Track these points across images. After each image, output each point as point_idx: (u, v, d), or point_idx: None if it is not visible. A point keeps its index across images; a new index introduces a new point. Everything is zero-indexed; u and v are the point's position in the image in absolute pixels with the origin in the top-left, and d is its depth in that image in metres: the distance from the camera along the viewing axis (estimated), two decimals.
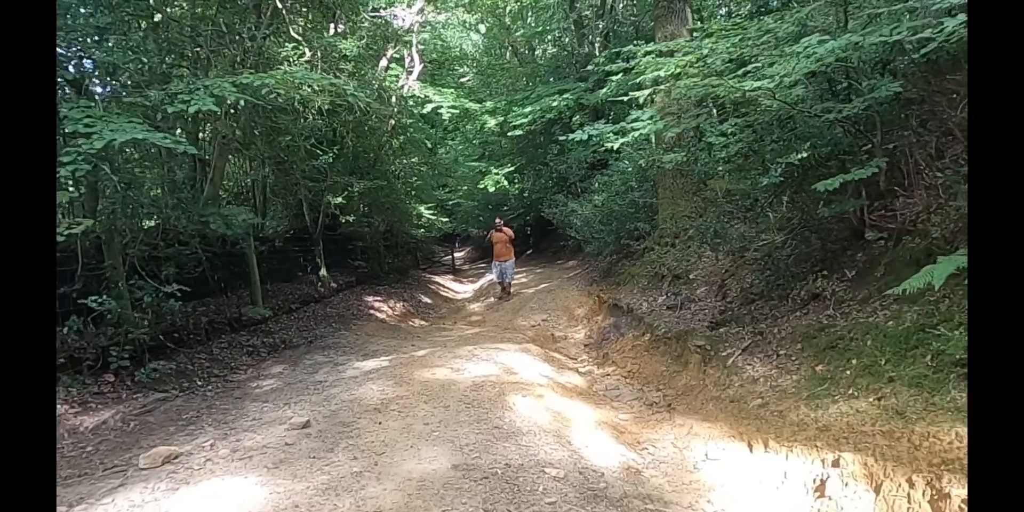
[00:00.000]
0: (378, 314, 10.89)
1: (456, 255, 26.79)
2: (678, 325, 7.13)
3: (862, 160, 4.82)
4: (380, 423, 4.71)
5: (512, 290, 13.85)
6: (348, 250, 13.06)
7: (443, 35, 22.04)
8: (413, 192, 17.12)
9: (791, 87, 4.82)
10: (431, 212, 16.61)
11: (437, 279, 17.73)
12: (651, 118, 7.66)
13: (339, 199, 9.96)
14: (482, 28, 23.83)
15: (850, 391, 4.23)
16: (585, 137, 8.12)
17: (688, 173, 9.81)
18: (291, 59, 8.00)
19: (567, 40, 19.27)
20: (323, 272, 11.13)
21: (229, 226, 6.27)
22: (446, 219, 17.03)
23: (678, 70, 5.65)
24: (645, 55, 7.08)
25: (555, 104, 14.87)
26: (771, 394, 4.87)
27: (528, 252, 21.11)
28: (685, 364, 6.35)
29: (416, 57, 14.97)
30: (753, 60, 5.07)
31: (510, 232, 13.49)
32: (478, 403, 5.14)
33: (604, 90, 14.15)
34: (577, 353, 8.91)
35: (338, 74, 8.09)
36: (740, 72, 5.06)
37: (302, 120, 8.87)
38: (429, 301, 13.36)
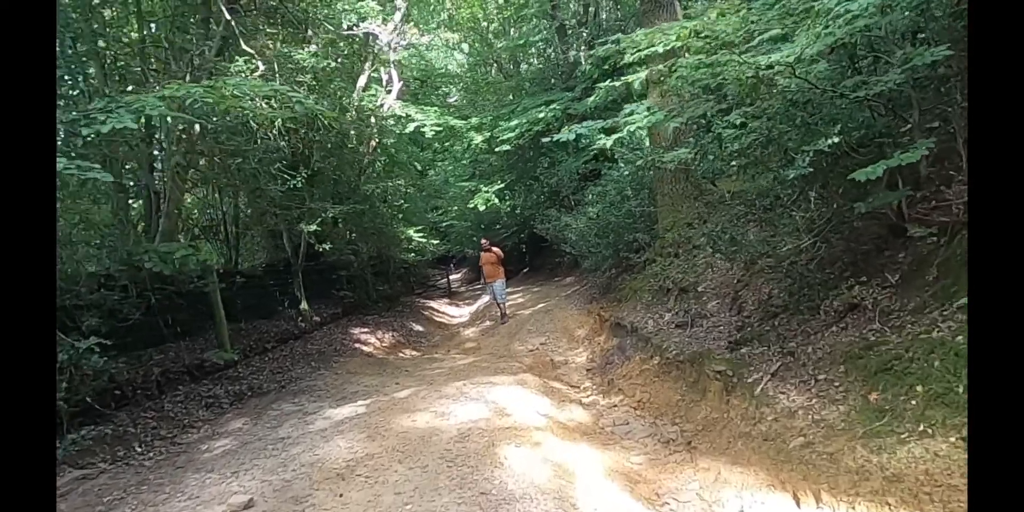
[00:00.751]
0: (364, 348, 9.97)
1: (452, 277, 25.91)
2: (691, 346, 6.22)
3: (902, 143, 3.95)
4: (341, 496, 3.78)
5: (508, 311, 12.94)
6: (332, 280, 12.18)
7: (427, 56, 21.43)
8: (400, 215, 16.27)
9: (812, 63, 3.98)
10: (420, 235, 15.74)
11: (432, 304, 16.82)
12: (648, 110, 6.81)
13: (313, 227, 9.08)
14: (465, 47, 23.23)
15: (920, 427, 3.32)
16: (572, 136, 7.29)
17: (688, 177, 8.97)
18: (244, 73, 7.19)
19: (551, 51, 18.56)
20: (303, 306, 10.24)
21: (167, 263, 5.39)
22: (436, 241, 16.15)
23: (680, 42, 4.81)
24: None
25: (542, 116, 14.08)
26: (815, 431, 3.95)
27: (524, 270, 20.22)
28: (703, 392, 5.42)
29: (395, 75, 14.22)
30: (762, 35, 4.24)
31: (498, 251, 12.62)
32: (463, 459, 4.22)
33: (592, 98, 13.39)
34: (579, 380, 7.98)
35: (295, 88, 7.34)
36: (750, 47, 4.23)
37: (258, 141, 8.04)
38: (421, 329, 12.45)
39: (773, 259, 5.50)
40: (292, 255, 11.81)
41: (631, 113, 7.07)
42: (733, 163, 5.14)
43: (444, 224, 24.68)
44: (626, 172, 10.62)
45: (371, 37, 14.17)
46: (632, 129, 6.95)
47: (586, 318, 10.48)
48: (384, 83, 13.86)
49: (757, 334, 5.48)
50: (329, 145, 12.34)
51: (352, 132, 12.76)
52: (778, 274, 5.84)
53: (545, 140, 9.36)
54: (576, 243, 10.98)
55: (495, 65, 21.70)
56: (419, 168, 23.18)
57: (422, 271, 20.59)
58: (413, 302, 16.30)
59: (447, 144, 21.63)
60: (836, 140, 3.83)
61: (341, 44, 13.43)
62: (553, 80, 16.62)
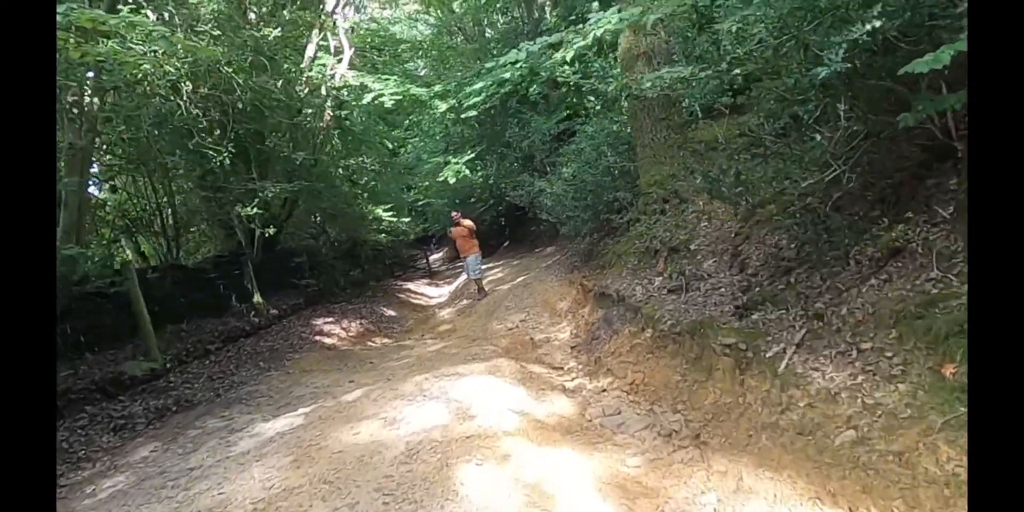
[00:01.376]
0: (326, 340, 8.87)
1: (433, 257, 24.80)
2: (688, 314, 5.14)
3: (959, 28, 2.83)
4: None
5: (487, 287, 11.86)
6: (292, 268, 11.03)
7: (391, 29, 19.95)
8: (366, 195, 15.08)
9: None
10: (390, 214, 14.56)
11: (410, 286, 15.71)
12: (619, 13, 5.68)
13: (252, 210, 7.87)
14: (431, 19, 21.61)
15: None
16: (523, 56, 6.14)
17: (671, 124, 7.82)
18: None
19: (517, 11, 17.14)
20: (257, 298, 9.10)
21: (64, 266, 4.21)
22: (408, 220, 14.97)
23: None
24: None
25: (508, 76, 12.82)
26: (869, 421, 2.89)
27: (505, 244, 19.10)
28: (709, 371, 4.36)
29: (346, 42, 12.89)
30: None
31: (470, 224, 11.50)
32: (406, 490, 3.15)
33: (559, 53, 12.14)
34: (563, 359, 6.93)
35: (194, 38, 6.12)
36: None
37: (164, 110, 6.79)
38: (394, 313, 11.36)
39: (784, 200, 4.40)
40: (247, 244, 10.67)
41: (599, 20, 5.92)
42: (736, 72, 3.95)
43: (420, 203, 23.49)
44: (603, 128, 9.44)
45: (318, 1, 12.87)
46: (600, 33, 5.79)
47: (568, 289, 9.40)
48: (333, 51, 12.50)
49: (769, 295, 4.40)
50: (272, 118, 11.13)
51: (300, 105, 11.50)
52: (789, 219, 4.76)
53: (489, 65, 8.17)
54: (552, 209, 9.84)
55: (460, 33, 20.26)
56: (389, 147, 21.91)
57: (401, 252, 19.40)
58: (389, 285, 15.18)
59: (413, 117, 20.31)
60: (877, 24, 2.70)
61: (285, 12, 12.09)
62: (518, 39, 15.28)
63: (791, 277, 4.38)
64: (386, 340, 9.84)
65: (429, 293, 15.14)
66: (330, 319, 9.97)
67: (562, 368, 6.64)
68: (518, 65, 12.91)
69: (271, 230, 8.90)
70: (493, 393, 4.83)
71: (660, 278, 6.41)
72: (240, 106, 7.81)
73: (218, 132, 8.86)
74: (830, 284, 3.89)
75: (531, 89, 13.50)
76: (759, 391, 3.67)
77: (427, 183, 18.70)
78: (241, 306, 8.99)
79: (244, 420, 5.04)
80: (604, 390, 5.40)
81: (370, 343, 9.50)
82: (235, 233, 10.69)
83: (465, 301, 11.55)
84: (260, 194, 8.08)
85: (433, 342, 8.44)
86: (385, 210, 14.69)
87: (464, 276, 12.03)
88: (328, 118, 12.20)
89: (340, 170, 13.68)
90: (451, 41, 18.83)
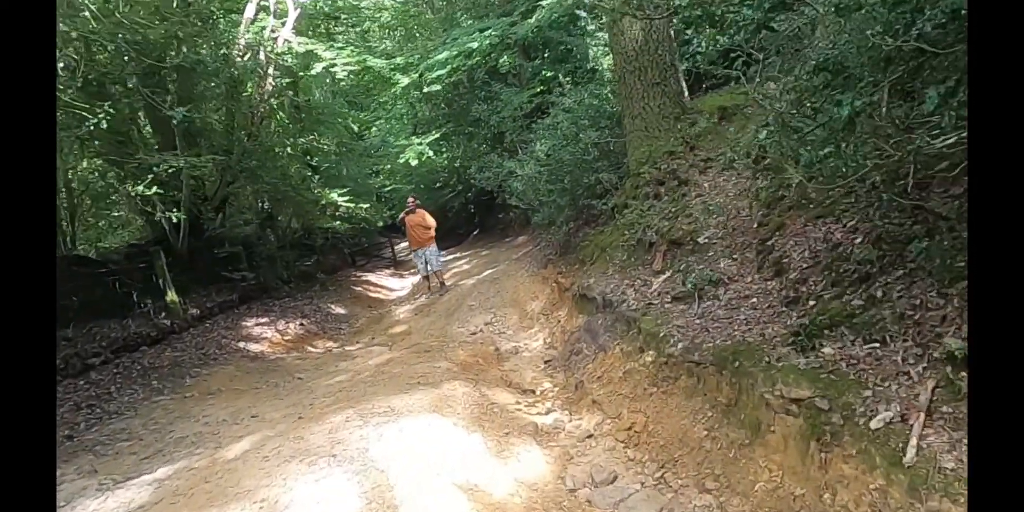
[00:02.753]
0: (253, 346, 7.18)
1: (401, 245, 23.06)
2: (709, 335, 3.60)
3: None
4: None
5: (448, 281, 10.26)
6: (226, 259, 9.27)
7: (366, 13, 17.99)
8: (317, 177, 13.30)
9: None
10: (347, 199, 12.80)
11: (371, 277, 13.98)
12: None
13: (141, 187, 6.07)
14: None
15: None
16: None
17: (666, 91, 6.24)
18: None
19: None
20: (171, 297, 7.36)
21: None
22: (367, 205, 13.22)
23: None
24: None
25: (476, 46, 11.10)
26: None
27: (475, 232, 17.44)
28: (756, 430, 2.79)
29: (290, 2, 11.04)
30: None
31: (427, 216, 9.79)
32: None
33: (535, 16, 10.47)
34: (535, 379, 5.37)
35: None
36: None
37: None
38: (343, 311, 9.68)
39: (822, 169, 2.84)
40: (170, 231, 8.88)
41: None
42: None
43: (387, 189, 21.67)
44: (581, 100, 7.81)
45: None
46: None
47: (541, 286, 7.83)
48: (276, 13, 10.64)
49: (841, 314, 2.86)
50: (202, 84, 9.32)
51: (235, 71, 9.69)
52: (858, 203, 3.23)
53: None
54: (523, 193, 8.23)
55: (427, 7, 18.37)
56: (354, 128, 19.99)
57: (364, 241, 17.58)
58: (347, 277, 13.43)
59: (378, 97, 18.43)
60: None
61: None
62: (488, 6, 13.51)
63: (874, 288, 2.85)
64: (330, 344, 8.17)
65: (391, 285, 13.43)
66: (265, 319, 8.26)
67: (534, 391, 5.08)
68: (487, 33, 11.25)
69: (177, 214, 7.15)
70: (434, 451, 3.24)
71: (659, 280, 4.86)
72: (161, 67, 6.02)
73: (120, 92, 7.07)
74: (959, 304, 2.36)
75: (501, 60, 11.84)
76: (864, 486, 2.13)
77: (389, 166, 16.93)
78: (150, 306, 7.24)
79: (70, 491, 3.37)
80: (591, 435, 3.85)
81: (309, 349, 7.82)
82: (162, 219, 8.92)
83: (424, 297, 9.91)
84: (156, 169, 6.30)
85: (379, 351, 6.80)
86: (341, 195, 12.93)
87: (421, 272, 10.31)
88: (269, 88, 10.39)
89: (288, 149, 11.86)
90: (416, 12, 16.91)
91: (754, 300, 3.71)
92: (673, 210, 5.45)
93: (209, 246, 9.39)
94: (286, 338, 7.87)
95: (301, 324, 8.47)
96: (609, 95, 7.76)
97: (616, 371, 4.34)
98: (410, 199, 10.24)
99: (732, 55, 3.83)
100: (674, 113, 6.24)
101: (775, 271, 3.82)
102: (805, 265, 3.55)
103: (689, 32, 6.91)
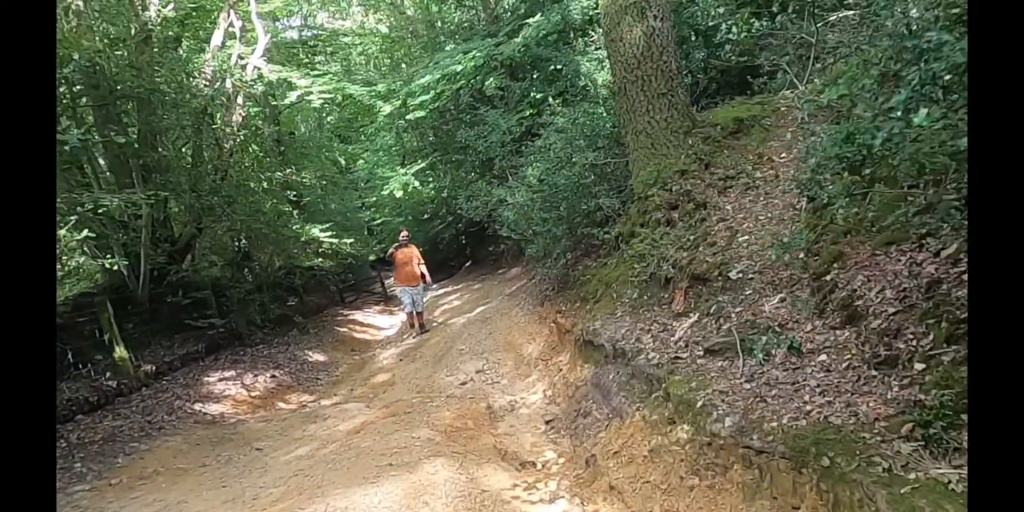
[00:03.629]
0: (211, 408, 6.14)
1: (391, 280, 22.06)
2: (766, 407, 2.62)
3: None
4: None
5: (434, 318, 9.34)
6: (191, 305, 8.27)
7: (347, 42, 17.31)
8: (295, 212, 12.42)
9: None
10: (329, 234, 11.86)
11: (358, 316, 12.94)
12: None
13: (66, 231, 5.06)
14: (383, 28, 18.88)
15: None
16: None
17: (673, 102, 5.36)
18: None
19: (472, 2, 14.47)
20: (119, 354, 6.34)
21: None
22: (350, 240, 12.30)
23: None
24: None
25: (460, 68, 10.29)
26: None
27: (467, 264, 16.46)
28: None
29: (259, 27, 10.28)
30: None
31: (417, 253, 9.03)
32: None
33: (522, 35, 9.69)
34: (536, 446, 4.37)
35: None
36: None
37: None
38: (323, 358, 8.64)
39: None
40: (129, 277, 7.92)
41: None
42: None
43: (377, 222, 20.77)
44: (575, 119, 6.95)
45: None
46: None
47: (538, 326, 6.85)
48: (240, 38, 9.83)
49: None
50: (167, 117, 8.44)
51: (201, 102, 8.85)
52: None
53: None
54: (515, 223, 7.30)
55: (411, 36, 17.67)
56: (340, 161, 19.20)
57: (350, 276, 16.56)
58: (332, 317, 12.40)
59: (364, 128, 17.65)
60: None
61: None
62: (473, 29, 12.74)
63: None
64: (305, 397, 7.13)
65: (378, 323, 12.39)
66: (232, 372, 7.23)
67: (534, 463, 4.08)
68: (471, 54, 10.46)
69: (110, 260, 6.18)
70: None
71: (684, 325, 3.89)
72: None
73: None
74: None
75: (488, 82, 11.03)
76: None
77: (375, 198, 16.05)
78: (93, 366, 6.21)
79: None
80: None
81: (280, 405, 6.78)
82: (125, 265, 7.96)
83: (412, 337, 8.90)
84: (81, 208, 5.31)
85: (356, 409, 5.76)
86: (323, 230, 12.00)
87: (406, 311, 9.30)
88: (239, 119, 9.53)
89: (264, 184, 10.97)
90: (398, 37, 16.12)
91: (823, 358, 2.75)
92: (692, 238, 4.52)
93: (175, 292, 8.40)
94: (253, 394, 6.83)
95: (273, 376, 7.42)
96: (604, 114, 6.90)
97: (639, 447, 3.34)
98: (403, 233, 9.40)
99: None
100: (683, 127, 5.35)
101: (845, 317, 2.86)
102: (892, 309, 2.60)
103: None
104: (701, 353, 3.44)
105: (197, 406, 6.10)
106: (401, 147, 16.06)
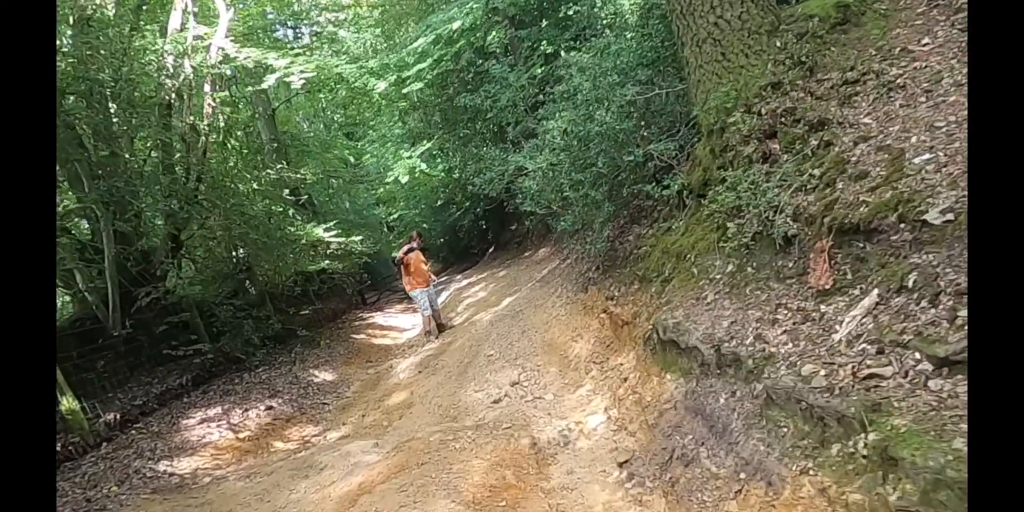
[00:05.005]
0: (184, 464, 4.65)
1: None
2: None
3: None
4: None
5: (448, 320, 7.96)
6: (170, 332, 6.81)
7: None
8: (307, 214, 10.95)
9: None
10: (335, 234, 10.35)
11: (377, 318, 11.43)
12: None
13: None
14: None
15: None
16: None
17: None
18: None
19: None
20: (67, 405, 4.85)
21: None
22: (359, 238, 10.76)
23: None
24: None
25: (456, 25, 8.58)
26: None
27: (490, 250, 14.84)
28: None
29: (221, 3, 8.72)
30: None
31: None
32: None
33: None
34: (611, 506, 2.77)
35: None
36: None
37: None
38: (331, 376, 7.13)
39: None
40: (98, 306, 6.57)
41: None
42: None
43: (393, 217, 19.26)
44: (606, 47, 5.27)
45: None
46: None
47: (583, 319, 5.21)
48: (193, 15, 8.24)
49: None
50: (125, 114, 6.97)
51: (161, 94, 7.37)
52: None
53: None
54: (539, 194, 5.65)
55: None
56: (349, 160, 17.60)
57: (368, 277, 15.05)
58: (350, 322, 10.93)
59: (368, 118, 16.00)
60: None
61: None
62: None
63: None
64: (308, 430, 5.63)
65: (400, 324, 10.86)
66: (219, 408, 5.76)
67: None
68: (468, 7, 8.75)
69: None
70: None
71: (853, 313, 2.22)
72: None
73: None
74: None
75: (490, 37, 9.34)
76: None
77: (384, 188, 14.51)
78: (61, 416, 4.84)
79: None
80: None
81: (276, 445, 5.29)
82: (93, 295, 6.57)
83: (432, 341, 7.35)
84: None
85: (360, 453, 4.20)
86: (327, 229, 10.49)
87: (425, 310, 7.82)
88: (209, 109, 8.02)
89: (254, 184, 9.47)
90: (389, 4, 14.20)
91: None
92: (817, 173, 2.83)
93: (160, 316, 6.98)
94: (242, 436, 5.34)
95: (269, 408, 5.93)
96: (643, 36, 5.16)
97: None
98: (416, 236, 8.04)
99: None
100: (765, 24, 3.62)
101: None
102: None
103: None
104: (918, 363, 1.78)
105: (163, 466, 4.62)
106: (405, 130, 14.41)
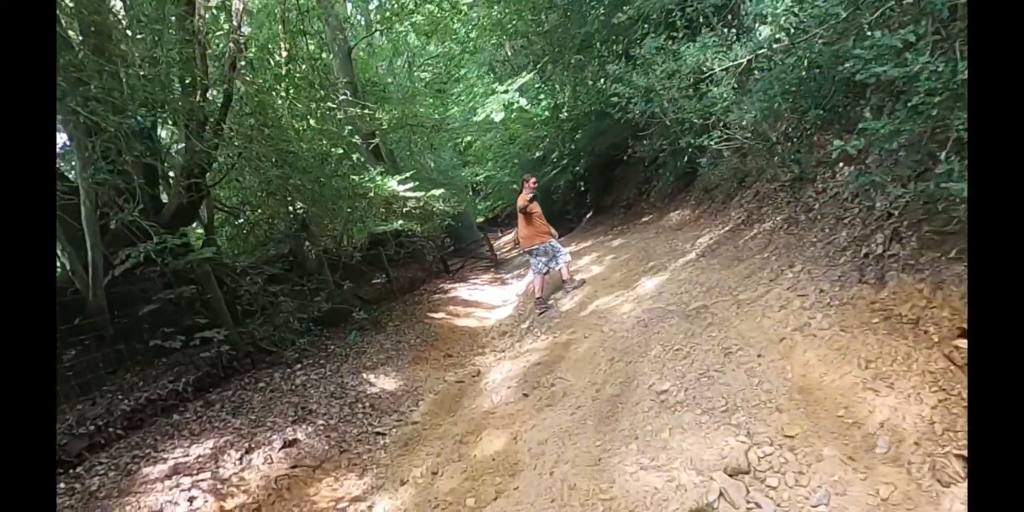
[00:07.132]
0: None
1: (504, 239, 18.29)
2: None
3: None
4: None
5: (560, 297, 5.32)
6: (163, 314, 4.56)
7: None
8: (364, 162, 8.57)
9: None
10: (410, 187, 7.93)
11: (461, 290, 9.05)
12: None
13: None
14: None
15: None
16: None
17: None
18: None
19: None
20: None
21: None
22: (439, 192, 8.29)
23: None
24: None
25: None
26: None
27: (588, 215, 12.06)
28: None
29: None
30: None
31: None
32: None
33: None
34: None
35: None
36: None
37: None
38: (395, 384, 4.64)
39: None
40: (74, 271, 4.43)
41: None
42: None
43: (481, 177, 16.81)
44: None
45: None
46: None
47: (888, 340, 2.46)
48: None
49: None
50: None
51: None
52: None
53: None
54: (751, 105, 2.83)
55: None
56: (434, 116, 15.02)
57: (451, 242, 12.62)
58: (429, 294, 8.61)
59: (440, 43, 13.17)
60: None
61: None
62: None
63: None
64: (345, 487, 3.26)
65: (488, 300, 8.40)
66: (212, 442, 3.50)
67: None
68: None
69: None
70: None
71: None
72: None
73: None
74: None
75: None
76: None
77: (469, 141, 11.91)
78: None
79: None
80: None
81: None
82: (79, 264, 4.45)
83: (543, 337, 4.79)
84: None
85: None
86: (403, 181, 8.07)
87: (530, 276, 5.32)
88: (239, 6, 5.58)
89: (310, 119, 7.11)
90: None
91: None
92: None
93: (165, 285, 4.80)
94: (231, 505, 2.99)
95: (291, 443, 3.57)
96: None
97: None
98: (528, 182, 5.73)
99: None
100: None
101: None
102: None
103: None
104: None
105: None
106: (505, 61, 11.58)
